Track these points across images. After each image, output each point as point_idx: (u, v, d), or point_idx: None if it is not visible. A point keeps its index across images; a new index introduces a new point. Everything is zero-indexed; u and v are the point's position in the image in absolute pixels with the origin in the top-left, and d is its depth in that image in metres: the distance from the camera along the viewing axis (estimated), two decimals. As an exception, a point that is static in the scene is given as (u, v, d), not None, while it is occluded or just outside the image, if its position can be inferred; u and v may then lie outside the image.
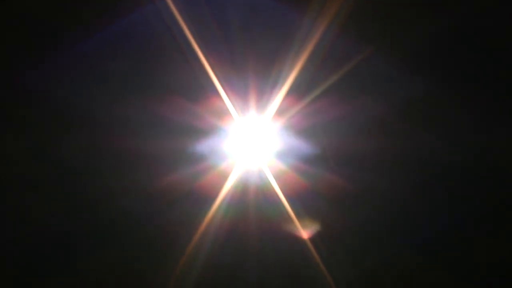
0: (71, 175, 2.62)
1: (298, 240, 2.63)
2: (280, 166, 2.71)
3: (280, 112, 2.67)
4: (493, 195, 2.68)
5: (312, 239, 2.63)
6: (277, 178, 2.69)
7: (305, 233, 2.63)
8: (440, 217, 2.71)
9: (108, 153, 2.66)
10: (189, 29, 2.54)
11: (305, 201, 2.64)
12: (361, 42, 2.60)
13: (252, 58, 2.63)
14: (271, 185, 2.68)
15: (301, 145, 2.69)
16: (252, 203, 2.68)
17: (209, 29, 2.59)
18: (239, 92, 2.65)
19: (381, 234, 2.65)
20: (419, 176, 2.69)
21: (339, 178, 2.65)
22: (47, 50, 2.56)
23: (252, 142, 2.75)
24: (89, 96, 2.66)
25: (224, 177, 2.69)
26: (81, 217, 2.62)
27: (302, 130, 2.68)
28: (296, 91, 2.64)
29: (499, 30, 2.63)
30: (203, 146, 2.68)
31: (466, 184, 2.70)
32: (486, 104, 2.70)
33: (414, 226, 2.70)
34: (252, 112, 2.69)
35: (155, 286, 2.59)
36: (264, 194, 2.67)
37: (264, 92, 2.65)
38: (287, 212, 2.63)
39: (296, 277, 2.64)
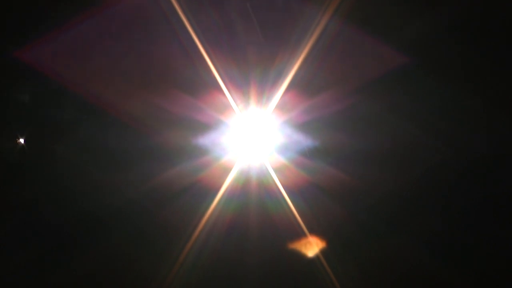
0: (72, 169, 2.66)
1: (298, 233, 2.64)
2: (281, 160, 2.72)
3: (281, 106, 2.68)
4: (492, 191, 2.66)
5: (313, 232, 2.64)
6: (278, 171, 2.70)
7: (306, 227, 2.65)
8: (440, 213, 2.70)
9: (110, 147, 2.69)
10: (191, 23, 2.55)
11: (306, 194, 2.65)
12: (364, 37, 2.58)
13: (253, 52, 2.63)
14: (272, 179, 2.69)
15: (302, 139, 2.69)
16: (253, 196, 2.69)
17: (211, 23, 2.59)
18: (241, 86, 2.66)
19: (382, 229, 2.65)
20: (419, 172, 2.68)
21: (339, 172, 2.65)
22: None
23: (253, 136, 2.76)
24: (91, 91, 2.68)
25: (225, 171, 2.71)
26: (82, 211, 2.66)
27: (303, 125, 2.68)
28: (298, 86, 2.64)
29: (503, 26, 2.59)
30: (205, 140, 2.70)
31: (465, 180, 2.68)
32: (488, 101, 2.67)
33: (414, 223, 2.69)
34: (253, 106, 2.70)
35: (157, 280, 2.62)
36: (265, 188, 2.69)
37: (265, 86, 2.66)
38: (288, 205, 2.65)
39: (297, 270, 2.65)
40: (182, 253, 2.61)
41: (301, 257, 2.65)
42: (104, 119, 2.68)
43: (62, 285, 2.61)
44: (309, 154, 2.55)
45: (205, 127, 2.69)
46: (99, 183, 2.66)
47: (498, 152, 2.67)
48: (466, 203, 2.68)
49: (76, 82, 2.67)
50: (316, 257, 2.63)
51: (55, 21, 2.54)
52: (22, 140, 2.56)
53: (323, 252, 2.63)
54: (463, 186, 2.69)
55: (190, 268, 2.61)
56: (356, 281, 2.63)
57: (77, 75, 2.67)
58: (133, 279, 2.61)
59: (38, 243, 2.62)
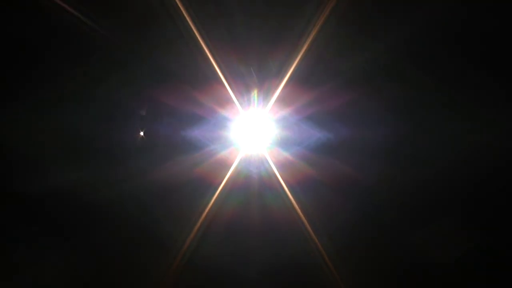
0: (73, 161, 2.64)
1: (300, 227, 2.60)
2: (282, 154, 2.71)
3: (282, 100, 2.68)
4: (497, 191, 2.63)
5: (314, 226, 2.60)
6: (279, 166, 2.69)
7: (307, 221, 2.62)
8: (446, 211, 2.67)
9: (112, 140, 2.68)
10: (192, 18, 2.57)
11: (307, 189, 2.63)
12: (363, 31, 2.59)
13: (255, 47, 2.64)
14: (273, 173, 2.67)
15: (303, 134, 2.69)
16: (254, 190, 2.68)
17: (212, 18, 2.61)
18: (242, 81, 2.67)
19: (382, 223, 2.62)
20: (418, 169, 2.67)
21: (340, 166, 2.64)
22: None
23: (254, 130, 2.77)
24: (94, 85, 2.68)
25: (226, 165, 2.70)
26: (84, 202, 2.63)
27: (304, 119, 2.68)
28: (299, 80, 2.65)
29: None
30: (206, 134, 2.70)
31: (468, 177, 2.66)
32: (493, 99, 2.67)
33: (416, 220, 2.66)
34: (254, 100, 2.70)
35: (157, 272, 2.58)
36: (266, 182, 2.67)
37: (267, 81, 2.67)
38: (289, 200, 2.62)
39: (298, 264, 2.61)
40: (183, 246, 2.57)
41: (302, 249, 2.61)
42: (106, 112, 2.68)
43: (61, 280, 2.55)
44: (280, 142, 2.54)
45: (207, 121, 2.69)
46: (100, 175, 2.64)
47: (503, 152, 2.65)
48: (472, 201, 2.65)
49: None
50: (317, 250, 2.58)
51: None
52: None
53: (324, 244, 2.58)
54: (467, 182, 2.66)
55: (191, 260, 2.57)
56: (357, 274, 2.57)
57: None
58: (133, 273, 2.56)
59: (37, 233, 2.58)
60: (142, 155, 2.67)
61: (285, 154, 2.70)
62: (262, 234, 2.64)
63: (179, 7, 2.53)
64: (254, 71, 2.63)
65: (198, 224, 2.61)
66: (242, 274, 2.61)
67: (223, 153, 2.70)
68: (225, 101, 2.67)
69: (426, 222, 2.67)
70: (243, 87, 2.67)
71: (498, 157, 2.65)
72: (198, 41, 2.58)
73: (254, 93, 2.68)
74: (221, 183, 2.65)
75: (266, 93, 2.68)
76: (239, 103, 2.69)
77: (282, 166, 2.69)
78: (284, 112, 2.70)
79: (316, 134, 2.68)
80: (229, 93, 2.65)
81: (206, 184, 2.65)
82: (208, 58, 2.60)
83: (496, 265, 2.61)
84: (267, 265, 2.61)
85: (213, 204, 2.63)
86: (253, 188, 2.68)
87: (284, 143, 2.72)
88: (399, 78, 2.65)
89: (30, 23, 2.56)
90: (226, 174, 2.67)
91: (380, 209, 2.65)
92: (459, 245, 2.63)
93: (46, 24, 2.57)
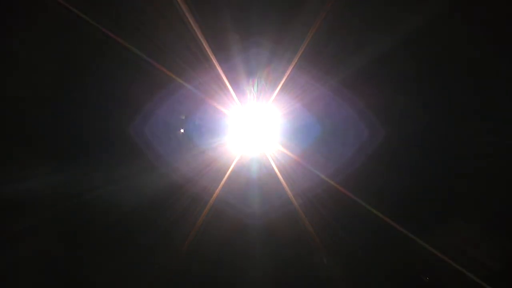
0: (79, 158, 2.65)
1: (298, 224, 2.62)
2: (282, 152, 2.71)
3: (282, 100, 2.67)
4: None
5: (311, 221, 2.62)
6: (279, 163, 2.70)
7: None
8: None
9: (116, 140, 2.68)
10: (194, 18, 2.53)
11: (307, 187, 2.64)
12: (365, 29, 2.55)
13: (256, 47, 2.63)
14: (273, 170, 2.68)
15: (302, 132, 2.68)
16: (254, 187, 2.69)
17: (214, 18, 2.57)
18: (243, 80, 2.65)
19: (380, 220, 2.63)
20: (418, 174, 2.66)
21: (338, 166, 2.64)
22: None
23: (255, 129, 2.79)
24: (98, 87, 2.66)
25: (227, 163, 2.71)
26: (87, 199, 2.64)
27: (303, 118, 2.67)
28: (298, 80, 2.62)
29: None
30: (207, 132, 2.70)
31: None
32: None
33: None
34: (255, 99, 2.70)
35: (160, 264, 2.61)
36: (266, 179, 2.69)
37: (267, 80, 2.65)
38: (288, 196, 2.63)
39: (296, 257, 2.64)
40: (184, 242, 2.60)
41: (299, 242, 2.63)
42: (109, 112, 2.67)
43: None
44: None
45: (207, 119, 2.68)
46: (103, 172, 2.66)
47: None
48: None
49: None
50: (312, 241, 2.61)
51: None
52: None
53: (321, 239, 2.61)
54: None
55: (194, 253, 2.60)
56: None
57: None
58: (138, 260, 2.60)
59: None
60: (142, 153, 2.67)
61: (285, 152, 2.71)
62: (261, 232, 2.67)
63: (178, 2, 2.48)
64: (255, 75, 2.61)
65: (202, 217, 2.63)
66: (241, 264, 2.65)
67: (225, 151, 2.71)
68: (227, 101, 2.66)
69: (432, 224, 2.67)
70: (244, 86, 2.66)
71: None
72: (199, 39, 2.54)
73: (255, 92, 2.67)
74: (221, 181, 2.66)
75: (267, 93, 2.67)
76: (239, 100, 2.69)
77: (281, 163, 2.69)
78: (284, 110, 2.69)
79: (316, 132, 2.67)
80: (231, 93, 2.64)
81: (207, 181, 2.67)
82: (211, 59, 2.57)
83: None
84: (267, 257, 2.65)
85: (215, 200, 2.64)
86: (253, 184, 2.69)
87: (283, 141, 2.72)
88: (399, 77, 2.62)
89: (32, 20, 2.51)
90: (227, 172, 2.68)
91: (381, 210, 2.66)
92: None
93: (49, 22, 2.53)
